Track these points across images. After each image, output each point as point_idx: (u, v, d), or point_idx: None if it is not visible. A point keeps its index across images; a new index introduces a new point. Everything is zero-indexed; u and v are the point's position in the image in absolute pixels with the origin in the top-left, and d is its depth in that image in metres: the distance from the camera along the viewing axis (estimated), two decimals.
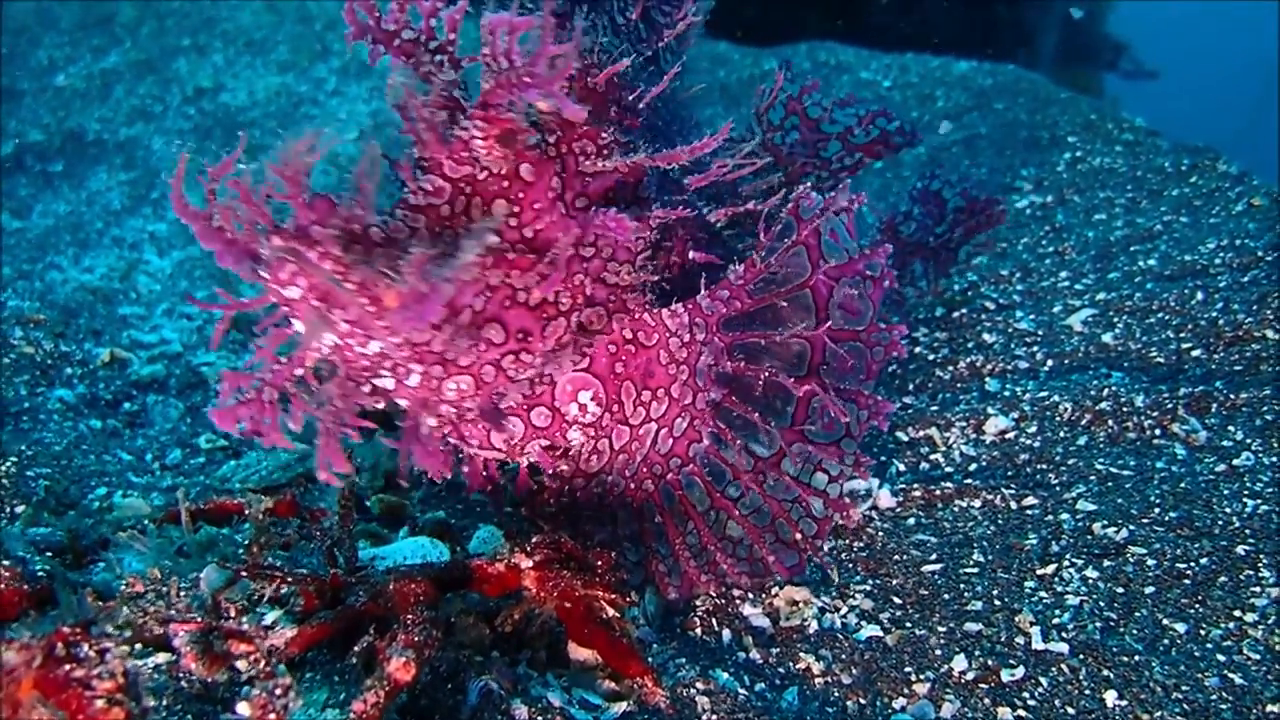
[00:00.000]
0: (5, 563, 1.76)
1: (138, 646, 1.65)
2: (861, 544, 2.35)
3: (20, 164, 5.56)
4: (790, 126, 2.77)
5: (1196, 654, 1.95)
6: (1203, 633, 2.00)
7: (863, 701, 1.95)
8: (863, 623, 2.13)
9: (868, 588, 2.22)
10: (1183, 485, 2.36)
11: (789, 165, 2.73)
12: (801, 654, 2.05)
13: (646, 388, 2.08)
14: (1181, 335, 3.00)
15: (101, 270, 4.19)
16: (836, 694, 1.97)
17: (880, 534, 2.37)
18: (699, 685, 1.89)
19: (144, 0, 6.94)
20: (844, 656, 2.04)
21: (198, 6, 6.99)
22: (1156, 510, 2.30)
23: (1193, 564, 2.14)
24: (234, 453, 2.71)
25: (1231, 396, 2.62)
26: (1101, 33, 11.15)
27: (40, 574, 1.83)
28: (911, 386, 3.07)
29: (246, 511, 1.93)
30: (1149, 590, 2.10)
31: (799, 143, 2.77)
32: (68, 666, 1.46)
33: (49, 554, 2.03)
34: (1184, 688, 1.87)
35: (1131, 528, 2.25)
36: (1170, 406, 2.64)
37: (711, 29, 2.52)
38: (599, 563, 1.99)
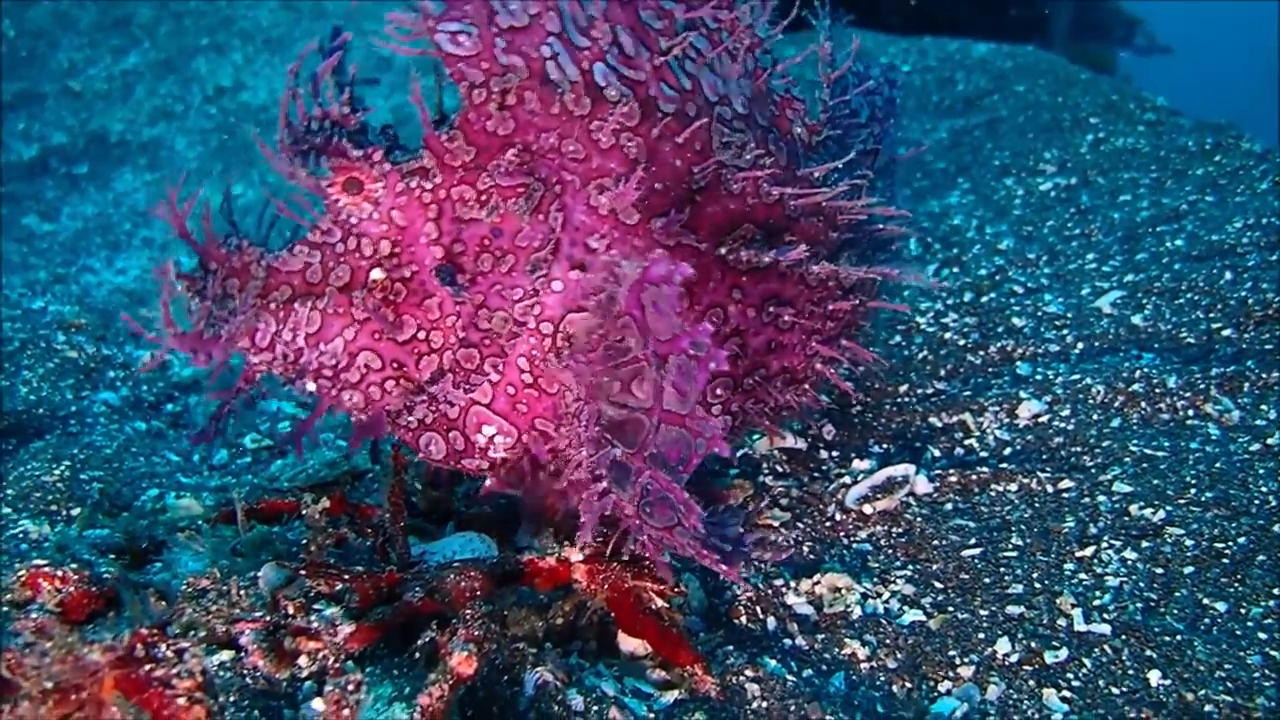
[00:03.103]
0: (74, 565, 1.81)
1: (205, 646, 1.70)
2: (900, 530, 2.38)
3: (46, 167, 5.63)
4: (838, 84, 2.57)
5: (1238, 632, 1.98)
6: (1243, 611, 2.03)
7: (909, 685, 1.98)
8: (905, 608, 2.16)
9: (908, 573, 2.25)
10: (1218, 465, 2.39)
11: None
12: (846, 639, 2.09)
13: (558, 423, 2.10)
14: (1211, 315, 3.02)
15: (134, 272, 4.26)
16: (882, 678, 2.00)
17: (919, 520, 2.40)
18: (748, 672, 1.93)
19: (161, 0, 6.99)
20: (888, 641, 2.08)
21: (214, 6, 7.04)
22: (1193, 490, 2.33)
23: (1230, 543, 2.17)
24: (279, 452, 2.76)
25: (1264, 376, 2.64)
26: (1114, 8, 11.10)
27: (106, 576, 1.88)
28: (943, 372, 3.10)
29: (304, 512, 1.98)
30: (1188, 570, 2.13)
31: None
32: (148, 666, 1.51)
33: (111, 555, 2.08)
34: (1226, 666, 1.90)
35: (1168, 508, 2.28)
36: (1203, 387, 2.66)
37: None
38: (646, 555, 2.04)
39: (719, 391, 2.19)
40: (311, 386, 2.06)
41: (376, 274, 2.02)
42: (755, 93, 2.20)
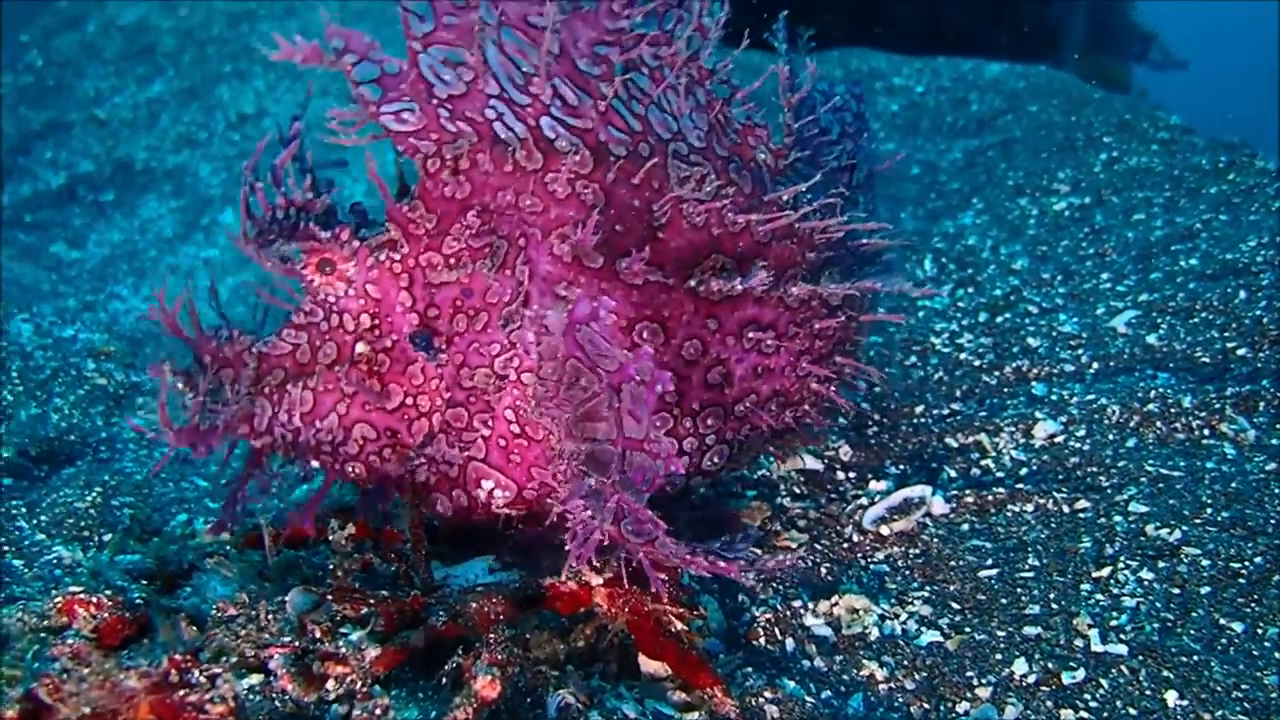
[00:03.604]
0: (108, 592, 1.85)
1: (236, 670, 1.74)
2: (917, 551, 2.41)
3: (73, 194, 5.73)
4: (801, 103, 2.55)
5: (1255, 653, 1.99)
6: (1260, 631, 2.04)
7: (927, 706, 2.01)
8: (922, 629, 2.19)
9: (926, 594, 2.28)
10: (1234, 485, 2.40)
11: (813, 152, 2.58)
12: (864, 661, 2.11)
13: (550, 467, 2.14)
14: (1226, 334, 3.03)
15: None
16: (901, 699, 2.03)
17: (935, 541, 2.42)
18: (767, 694, 1.95)
19: (185, 30, 7.11)
20: (906, 662, 2.10)
21: (236, 33, 7.16)
22: (1209, 510, 2.34)
23: (1247, 563, 2.18)
24: (303, 477, 2.80)
25: (1279, 395, 2.66)
26: (1130, 22, 11.10)
27: (138, 602, 1.93)
28: (959, 393, 3.12)
29: (330, 537, 2.02)
30: (1205, 590, 2.15)
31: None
32: (182, 692, 1.55)
33: (143, 581, 2.13)
34: (1244, 686, 1.91)
35: (1185, 528, 2.30)
36: (1218, 406, 2.68)
37: (736, 40, 2.49)
38: (666, 578, 2.07)
39: (710, 421, 2.23)
40: (315, 464, 2.14)
41: (361, 348, 2.10)
42: (712, 124, 2.24)
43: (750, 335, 2.23)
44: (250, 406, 2.10)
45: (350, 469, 2.15)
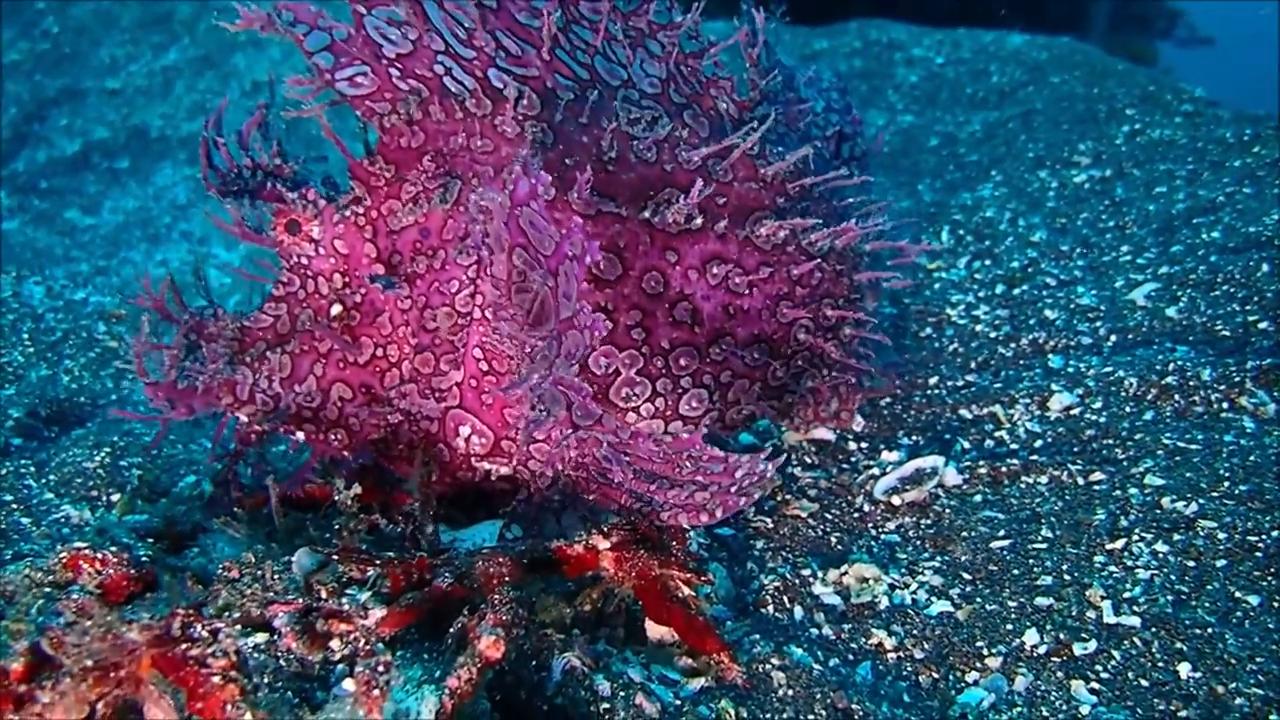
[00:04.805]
0: (113, 549, 1.85)
1: (239, 627, 1.74)
2: (929, 521, 2.38)
3: (88, 161, 5.72)
4: (773, 65, 2.59)
5: (1270, 625, 1.96)
6: (1276, 604, 2.01)
7: (936, 675, 1.99)
8: (933, 598, 2.17)
9: (936, 564, 2.25)
10: (1252, 459, 2.37)
11: (788, 114, 2.61)
12: (873, 630, 2.09)
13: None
14: (1247, 308, 2.99)
15: (174, 264, 4.33)
16: (909, 668, 2.01)
17: (947, 511, 2.40)
18: (774, 660, 1.94)
19: None
20: (915, 632, 2.08)
21: (253, 2, 7.11)
22: (1226, 484, 2.31)
23: (1264, 536, 2.15)
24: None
25: None
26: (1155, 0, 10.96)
27: (144, 559, 1.92)
28: (974, 364, 3.09)
29: (336, 498, 2.01)
30: (1220, 564, 2.11)
31: (784, 85, 2.64)
32: (184, 646, 1.55)
33: (149, 540, 2.13)
34: (1258, 659, 1.89)
35: (1201, 501, 2.26)
36: (1238, 380, 2.64)
37: (761, 9, 2.60)
38: (674, 543, 2.05)
39: (683, 361, 2.23)
40: (300, 435, 2.19)
41: (336, 309, 2.15)
42: (671, 74, 2.32)
43: (714, 270, 2.24)
44: (233, 374, 2.13)
45: (334, 437, 2.17)
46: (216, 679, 1.53)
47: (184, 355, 2.13)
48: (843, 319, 2.43)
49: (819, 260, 2.35)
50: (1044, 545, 2.24)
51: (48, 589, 1.82)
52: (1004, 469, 2.50)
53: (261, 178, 2.14)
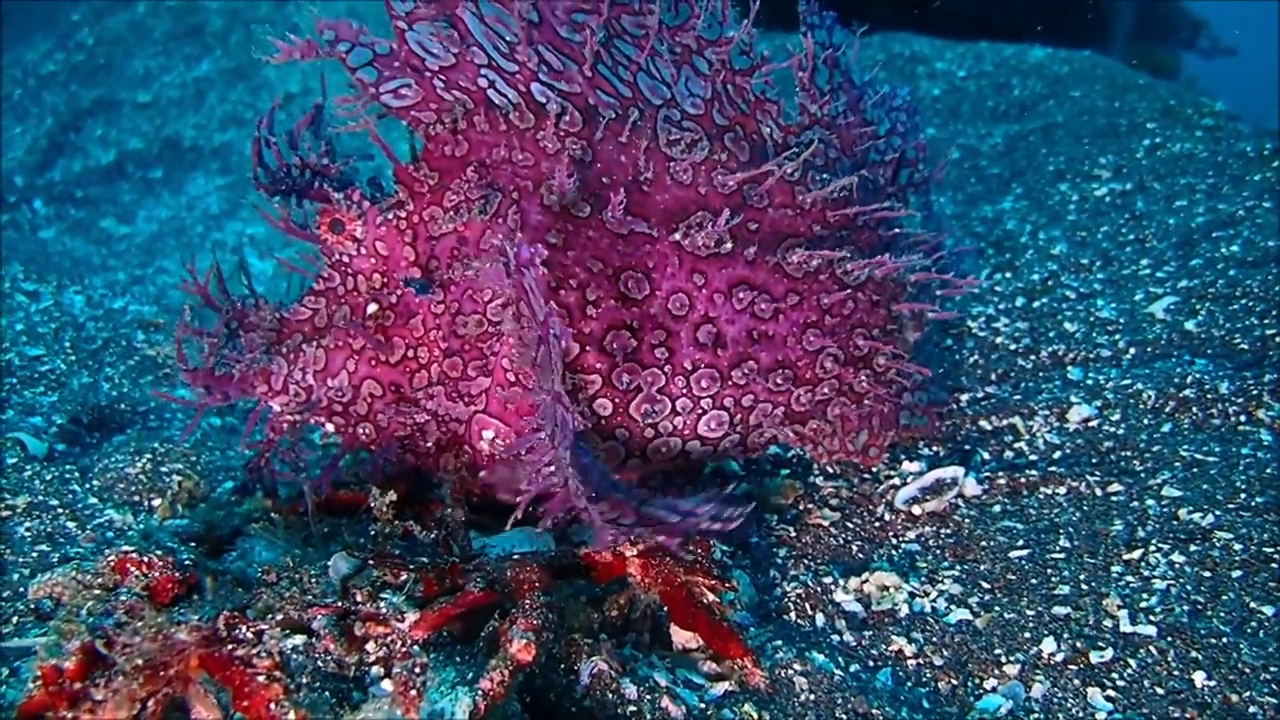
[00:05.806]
0: (158, 553, 1.92)
1: (281, 629, 1.80)
2: (949, 531, 2.43)
3: (122, 171, 5.84)
4: (837, 86, 2.58)
5: None
6: None
7: (954, 682, 2.03)
8: (952, 607, 2.21)
9: (956, 573, 2.30)
10: (1269, 471, 2.40)
11: (844, 138, 2.53)
12: (894, 637, 2.14)
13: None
14: (1266, 322, 3.01)
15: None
16: (929, 675, 2.05)
17: (967, 521, 2.44)
18: (796, 666, 1.99)
19: (232, 10, 7.21)
20: (935, 639, 2.13)
21: (283, 13, 7.23)
22: (1243, 495, 2.34)
23: None
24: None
25: None
26: (1178, 9, 10.94)
27: (187, 562, 1.99)
28: (994, 376, 3.13)
29: (371, 504, 2.07)
30: (1236, 574, 2.15)
31: (847, 107, 2.56)
32: (230, 646, 1.62)
33: (190, 544, 2.20)
34: (1272, 668, 1.92)
35: (1218, 513, 2.30)
36: (1255, 393, 2.67)
37: (784, 22, 2.60)
38: (698, 550, 2.11)
39: (704, 383, 2.25)
40: (330, 427, 2.26)
41: (372, 308, 2.21)
42: (716, 93, 2.30)
43: (740, 295, 2.25)
44: (268, 364, 2.20)
45: (362, 431, 2.24)
46: (261, 678, 1.60)
47: (223, 343, 2.20)
48: (875, 349, 2.40)
49: (851, 290, 2.34)
50: (1062, 555, 2.29)
51: (96, 591, 1.90)
52: (1023, 480, 2.54)
53: (309, 177, 2.22)
